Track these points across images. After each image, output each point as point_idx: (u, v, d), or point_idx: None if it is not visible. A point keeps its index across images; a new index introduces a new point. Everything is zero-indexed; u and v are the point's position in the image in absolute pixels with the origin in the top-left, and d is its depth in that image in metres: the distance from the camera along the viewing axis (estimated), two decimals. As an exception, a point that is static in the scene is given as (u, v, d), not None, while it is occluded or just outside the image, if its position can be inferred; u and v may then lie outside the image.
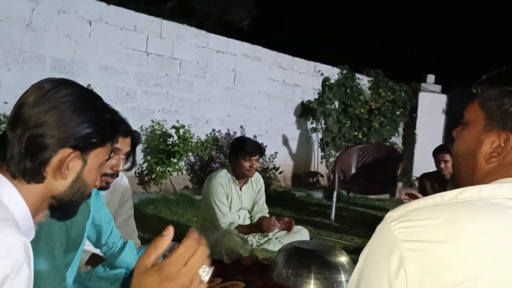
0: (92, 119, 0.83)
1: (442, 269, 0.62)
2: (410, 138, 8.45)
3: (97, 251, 2.04)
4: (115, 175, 1.68)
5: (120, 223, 2.37)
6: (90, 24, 4.65)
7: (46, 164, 0.80)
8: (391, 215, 0.69)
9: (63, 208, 0.87)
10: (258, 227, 3.11)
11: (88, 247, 1.96)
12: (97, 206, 1.85)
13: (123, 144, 1.66)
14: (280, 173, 6.25)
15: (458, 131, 0.82)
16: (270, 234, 3.12)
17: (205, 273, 0.63)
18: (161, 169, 5.01)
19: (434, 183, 3.92)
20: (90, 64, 4.67)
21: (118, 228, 2.27)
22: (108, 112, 0.90)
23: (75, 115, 0.81)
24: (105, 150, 0.88)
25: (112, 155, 1.63)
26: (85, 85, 4.75)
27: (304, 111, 6.93)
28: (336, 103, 7.28)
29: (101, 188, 1.73)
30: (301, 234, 3.14)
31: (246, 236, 3.05)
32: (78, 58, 4.56)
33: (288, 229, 3.14)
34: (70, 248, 1.59)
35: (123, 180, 2.36)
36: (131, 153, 1.72)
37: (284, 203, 5.16)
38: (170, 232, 0.62)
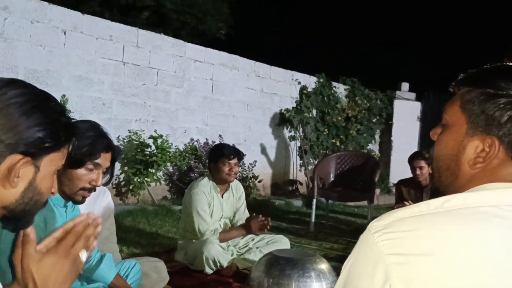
0: (44, 122, 0.76)
1: (430, 283, 0.60)
2: (386, 145, 8.59)
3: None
4: (92, 189, 1.66)
5: (102, 239, 2.33)
6: (65, 33, 4.58)
7: None
8: (374, 225, 0.66)
9: (16, 219, 0.80)
10: (245, 228, 3.03)
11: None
12: (73, 218, 1.81)
13: (104, 160, 1.64)
14: (259, 181, 6.25)
15: (437, 132, 0.79)
16: (251, 244, 3.11)
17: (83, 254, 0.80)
18: (138, 180, 4.94)
19: (410, 189, 3.99)
20: (65, 74, 4.59)
21: (99, 243, 2.24)
22: (62, 114, 0.82)
23: (24, 117, 0.74)
24: (60, 155, 0.81)
25: (92, 169, 1.62)
26: (59, 95, 4.66)
27: (282, 120, 6.97)
28: (314, 111, 7.35)
29: (77, 202, 1.71)
30: (281, 243, 3.13)
31: (227, 246, 3.02)
32: (52, 68, 4.48)
33: (264, 227, 3.06)
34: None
35: (106, 195, 2.32)
36: (110, 168, 1.70)
37: (263, 212, 5.11)
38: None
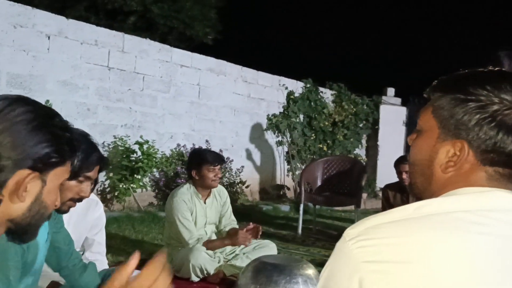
0: (50, 138, 0.80)
1: None
2: (373, 150, 8.65)
3: (56, 275, 1.95)
4: (80, 200, 1.65)
5: (93, 252, 2.29)
6: (49, 38, 4.52)
7: (2, 187, 0.76)
8: (349, 232, 0.66)
9: (22, 232, 0.83)
10: (230, 239, 3.00)
11: (46, 273, 1.87)
12: (56, 227, 1.79)
13: (95, 172, 1.65)
14: (247, 187, 6.23)
15: (412, 139, 0.80)
16: (238, 250, 3.08)
17: None
18: (124, 186, 4.88)
19: (397, 193, 4.01)
20: (49, 79, 4.53)
21: (89, 256, 2.20)
22: (67, 130, 0.86)
23: (31, 134, 0.77)
24: (65, 169, 0.85)
25: (83, 181, 1.61)
26: (43, 100, 4.60)
27: (270, 125, 6.98)
28: (301, 117, 7.37)
29: (62, 212, 1.69)
30: (268, 248, 3.11)
31: (213, 253, 3.00)
32: (36, 73, 4.42)
33: (256, 235, 3.05)
34: (27, 272, 1.52)
35: (98, 206, 2.29)
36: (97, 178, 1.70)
37: (251, 217, 5.12)
38: (135, 258, 0.64)
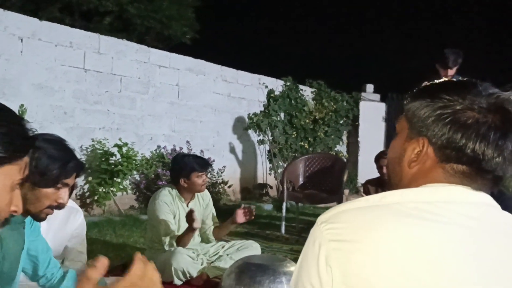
0: None
1: (360, 269, 0.67)
2: (353, 146, 8.73)
3: (34, 285, 1.90)
4: (57, 207, 1.61)
5: (74, 261, 2.24)
6: (22, 41, 4.41)
7: None
8: (321, 217, 0.75)
9: None
10: (188, 225, 2.88)
11: (24, 282, 1.82)
12: (32, 235, 1.74)
13: (72, 179, 1.61)
14: (229, 187, 6.21)
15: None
16: (221, 251, 3.06)
17: None
18: (104, 190, 4.80)
19: (378, 188, 4.04)
20: (23, 82, 4.41)
21: (69, 264, 2.15)
22: (18, 124, 0.76)
23: None
24: (16, 168, 0.75)
25: (60, 188, 1.58)
26: (18, 104, 4.48)
27: (251, 124, 6.97)
28: (282, 115, 7.38)
29: (39, 219, 1.65)
30: (252, 248, 3.10)
31: (196, 255, 2.97)
32: (9, 76, 4.30)
33: (250, 215, 3.01)
34: (3, 282, 1.48)
35: (78, 215, 2.24)
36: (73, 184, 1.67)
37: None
38: (101, 262, 0.67)
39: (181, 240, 2.88)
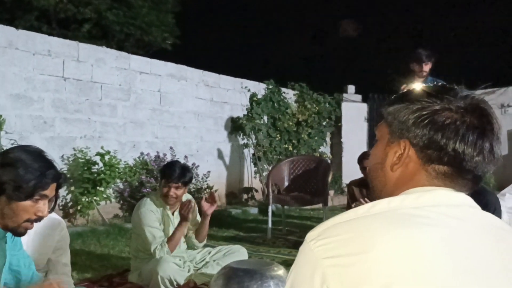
0: None
1: (361, 281, 0.64)
2: (337, 147, 8.79)
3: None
4: (38, 220, 1.57)
5: (58, 274, 2.19)
6: (-2, 50, 4.32)
7: None
8: (310, 234, 0.72)
9: None
10: (181, 220, 2.85)
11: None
12: (14, 250, 1.70)
13: (51, 190, 1.58)
14: (215, 192, 6.17)
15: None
16: (208, 257, 3.04)
17: None
18: (87, 200, 4.73)
19: (362, 188, 4.07)
20: (1, 93, 4.33)
21: (56, 276, 2.11)
22: None
23: None
24: None
25: (38, 200, 1.53)
26: (-5, 116, 4.35)
27: (234, 128, 6.95)
28: (265, 118, 7.39)
29: (19, 234, 1.61)
30: (239, 253, 3.09)
31: (183, 262, 2.94)
32: (-15, 87, 4.21)
33: (214, 200, 2.98)
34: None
35: (61, 227, 2.18)
36: (54, 196, 1.62)
37: (220, 222, 5.08)
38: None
39: (173, 236, 2.85)
